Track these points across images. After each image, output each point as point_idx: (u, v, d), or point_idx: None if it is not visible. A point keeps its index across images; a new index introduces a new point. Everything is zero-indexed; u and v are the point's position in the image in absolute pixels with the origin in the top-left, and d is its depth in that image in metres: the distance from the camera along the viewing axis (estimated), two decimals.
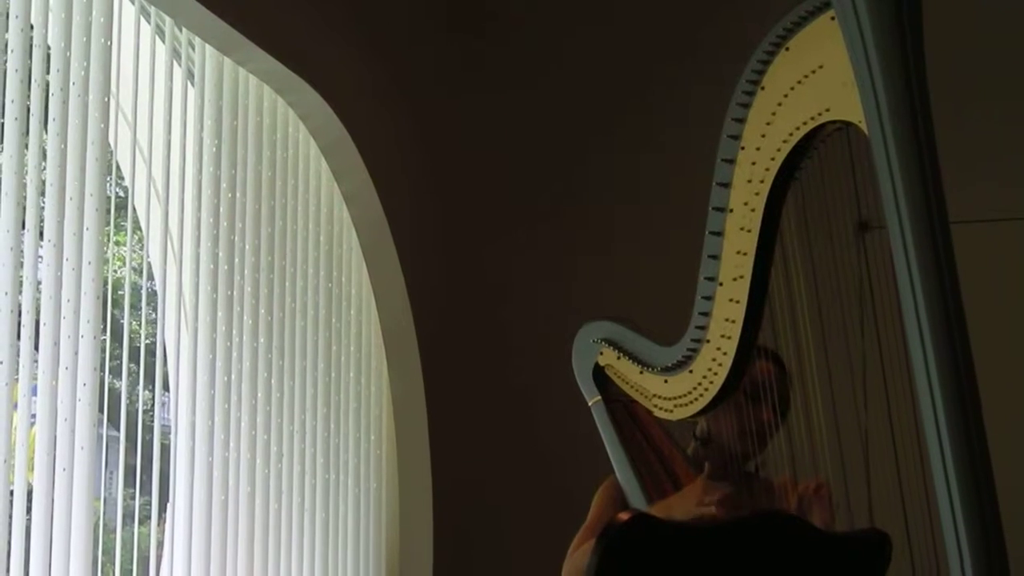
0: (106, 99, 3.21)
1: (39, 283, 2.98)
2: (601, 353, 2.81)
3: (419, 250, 4.71)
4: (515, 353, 4.87)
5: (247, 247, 3.85)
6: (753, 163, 2.39)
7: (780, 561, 2.22)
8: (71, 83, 3.12)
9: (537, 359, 4.30)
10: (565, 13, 5.11)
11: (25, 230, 2.93)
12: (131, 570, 3.34)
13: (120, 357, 3.36)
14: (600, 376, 2.84)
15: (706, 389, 2.59)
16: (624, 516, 2.25)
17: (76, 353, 3.04)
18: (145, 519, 3.53)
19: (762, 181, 2.39)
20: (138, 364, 3.45)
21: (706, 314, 2.53)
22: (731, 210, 2.43)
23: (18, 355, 2.87)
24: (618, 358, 2.77)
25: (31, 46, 2.99)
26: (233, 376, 3.74)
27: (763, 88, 2.36)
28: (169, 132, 3.59)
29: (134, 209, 3.65)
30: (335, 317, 4.37)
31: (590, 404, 2.86)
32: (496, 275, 4.97)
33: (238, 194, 3.82)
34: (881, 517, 2.42)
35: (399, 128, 4.73)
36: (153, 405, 3.38)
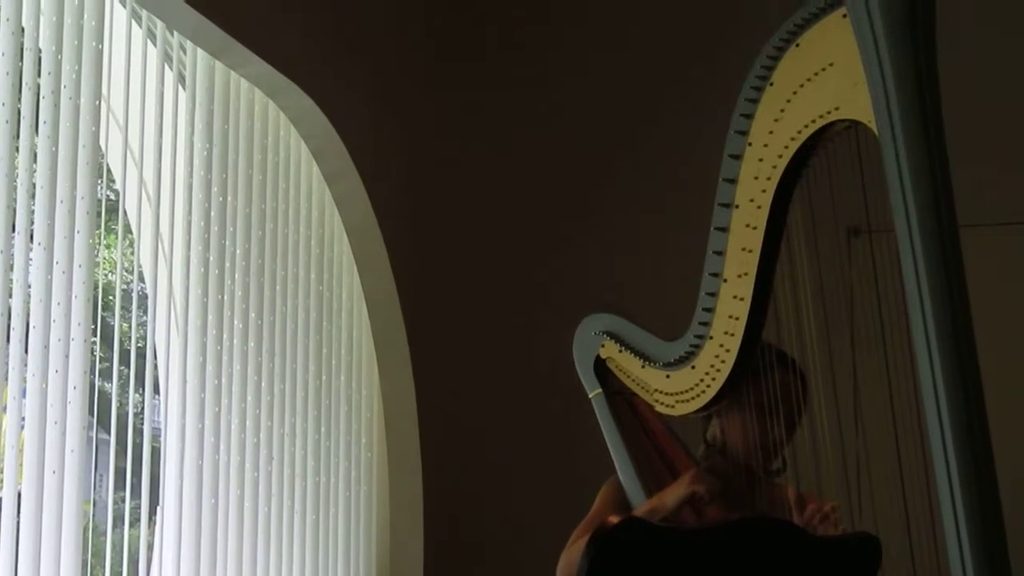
0: (97, 102, 3.20)
1: (29, 286, 2.96)
2: (603, 346, 2.81)
3: (410, 254, 4.71)
4: (507, 356, 4.86)
5: (238, 250, 3.84)
6: (760, 160, 2.40)
7: (769, 565, 2.22)
8: (62, 86, 3.11)
9: (530, 362, 4.31)
10: (566, 15, 5.11)
11: (15, 233, 2.91)
12: (121, 573, 3.32)
13: (111, 360, 3.34)
14: (601, 369, 2.84)
15: (708, 386, 2.60)
16: (614, 519, 2.25)
17: (66, 356, 3.02)
18: (135, 522, 3.51)
19: (769, 178, 2.39)
20: (128, 367, 3.42)
21: (710, 310, 2.54)
22: (737, 206, 2.44)
23: (8, 358, 2.85)
24: (620, 351, 2.77)
25: (22, 49, 2.97)
26: (224, 379, 3.73)
27: (772, 84, 2.36)
28: (160, 135, 3.58)
29: (125, 212, 3.63)
30: (326, 321, 4.37)
31: (591, 396, 2.86)
32: (488, 279, 4.97)
33: (229, 197, 3.81)
34: (883, 520, 2.42)
35: (391, 132, 4.73)
36: (143, 408, 3.36)
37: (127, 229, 3.56)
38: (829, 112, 2.30)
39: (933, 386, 2.05)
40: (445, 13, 5.10)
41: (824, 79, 2.28)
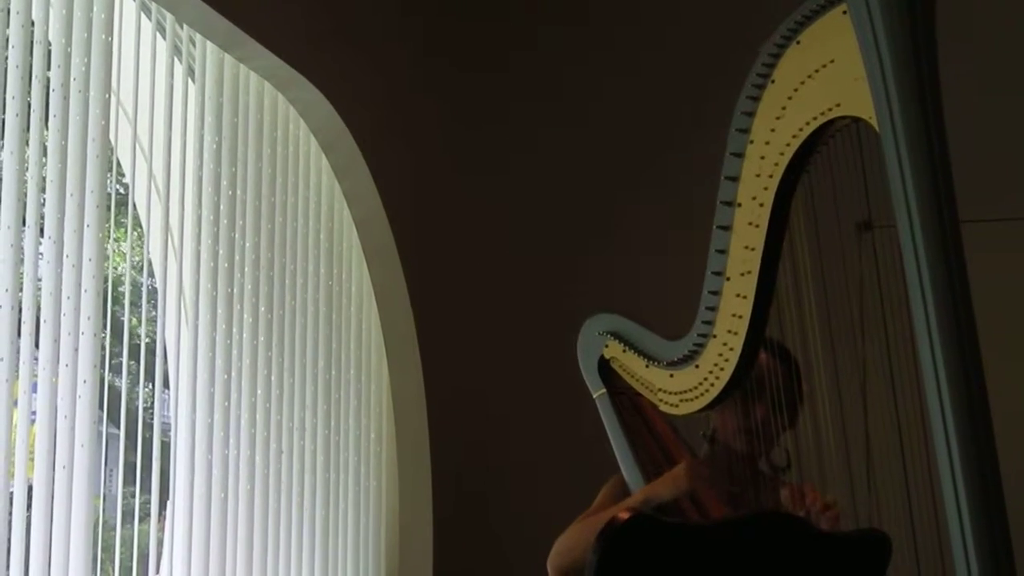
0: (107, 96, 3.21)
1: (39, 280, 2.98)
2: (607, 346, 2.80)
3: (420, 248, 4.70)
4: (516, 350, 4.86)
5: (247, 244, 3.84)
6: (762, 157, 2.38)
7: (780, 560, 2.21)
8: (72, 79, 3.12)
9: (539, 356, 4.30)
10: (578, 11, 5.11)
11: (26, 227, 2.93)
12: (131, 568, 3.34)
13: (120, 354, 3.36)
14: (605, 369, 2.82)
15: (712, 384, 2.58)
16: (625, 514, 2.24)
17: (76, 350, 3.04)
18: (145, 517, 3.53)
19: (771, 176, 2.38)
20: (138, 361, 3.44)
21: (713, 309, 2.52)
22: (739, 204, 2.42)
23: (18, 352, 2.87)
24: (624, 351, 2.76)
25: (32, 42, 2.99)
26: (233, 373, 3.74)
27: (773, 81, 2.35)
28: (170, 129, 3.59)
29: (134, 206, 3.64)
30: (335, 314, 4.37)
31: (595, 396, 2.85)
32: (496, 272, 4.96)
33: (238, 191, 3.82)
34: (887, 516, 2.41)
35: (400, 125, 4.72)
36: (153, 402, 3.37)
37: (136, 223, 3.57)
38: (830, 109, 2.27)
39: (936, 381, 2.04)
40: (455, 6, 5.10)
41: (825, 76, 2.26)
